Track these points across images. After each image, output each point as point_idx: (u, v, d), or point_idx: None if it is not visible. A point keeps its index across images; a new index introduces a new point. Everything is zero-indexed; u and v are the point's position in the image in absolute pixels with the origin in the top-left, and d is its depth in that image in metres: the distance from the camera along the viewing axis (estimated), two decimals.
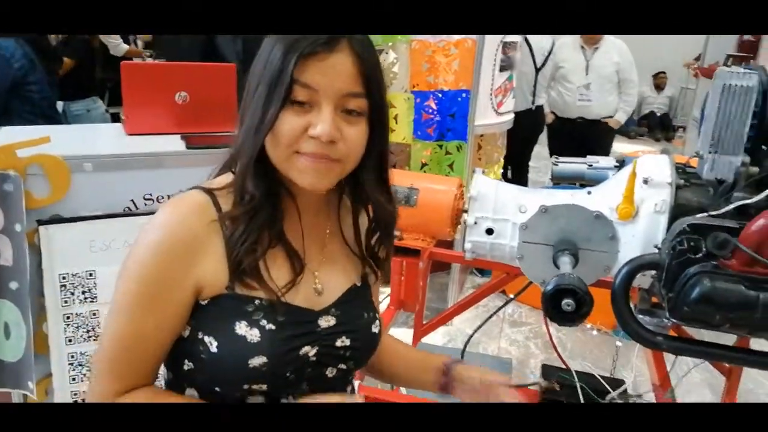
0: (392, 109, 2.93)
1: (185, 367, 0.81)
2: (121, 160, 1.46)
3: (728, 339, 1.46)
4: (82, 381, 1.46)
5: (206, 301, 0.78)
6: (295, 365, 0.80)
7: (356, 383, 1.06)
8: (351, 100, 0.75)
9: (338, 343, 0.84)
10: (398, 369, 1.08)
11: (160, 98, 1.65)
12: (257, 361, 0.76)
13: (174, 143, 1.60)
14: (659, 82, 9.13)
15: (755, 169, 1.20)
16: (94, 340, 1.44)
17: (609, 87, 4.11)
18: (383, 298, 1.91)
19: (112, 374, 0.78)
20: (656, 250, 1.20)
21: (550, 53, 4.06)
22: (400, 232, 1.93)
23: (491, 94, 3.21)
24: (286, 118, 0.74)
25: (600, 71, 4.07)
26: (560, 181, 1.57)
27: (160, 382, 0.86)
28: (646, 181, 1.27)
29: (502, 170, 3.97)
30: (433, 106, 3.09)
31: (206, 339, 0.77)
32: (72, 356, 1.44)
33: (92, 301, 1.43)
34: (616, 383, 2.03)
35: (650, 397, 1.78)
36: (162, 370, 0.85)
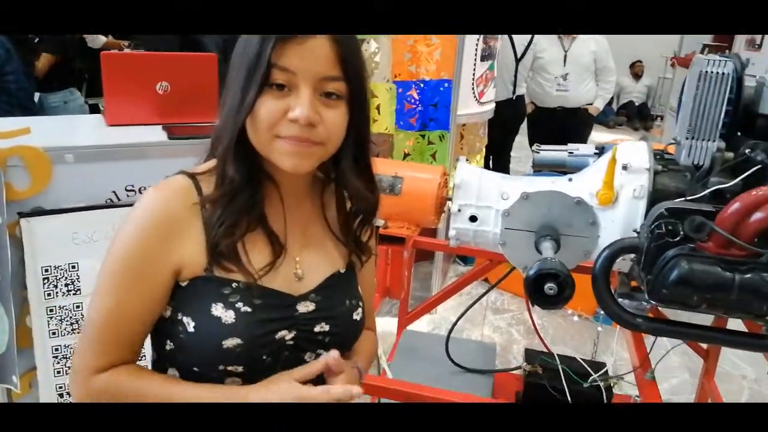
0: (374, 99, 2.93)
1: (167, 347, 0.83)
2: (102, 151, 1.45)
3: (705, 322, 1.50)
4: (67, 374, 1.45)
5: (186, 283, 0.80)
6: (270, 348, 0.81)
7: None
8: (329, 83, 0.76)
9: (317, 329, 0.85)
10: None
11: (141, 88, 1.63)
12: (231, 342, 0.77)
13: (156, 134, 1.58)
14: (636, 70, 9.25)
15: (730, 155, 1.23)
16: (79, 332, 1.43)
17: (587, 76, 4.18)
18: None
19: (94, 350, 0.80)
20: (635, 235, 1.23)
21: (530, 44, 4.09)
22: (385, 221, 1.94)
23: (473, 84, 3.23)
24: (265, 101, 0.75)
25: (578, 60, 4.12)
26: (542, 168, 1.59)
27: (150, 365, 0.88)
28: (625, 168, 1.29)
29: (483, 160, 3.99)
30: (415, 95, 3.10)
31: (185, 319, 0.79)
32: (56, 349, 1.42)
33: (75, 294, 1.42)
34: (598, 366, 2.08)
35: (631, 378, 1.83)
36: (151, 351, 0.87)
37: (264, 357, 0.81)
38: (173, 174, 0.83)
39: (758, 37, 5.51)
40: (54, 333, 1.42)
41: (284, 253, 0.84)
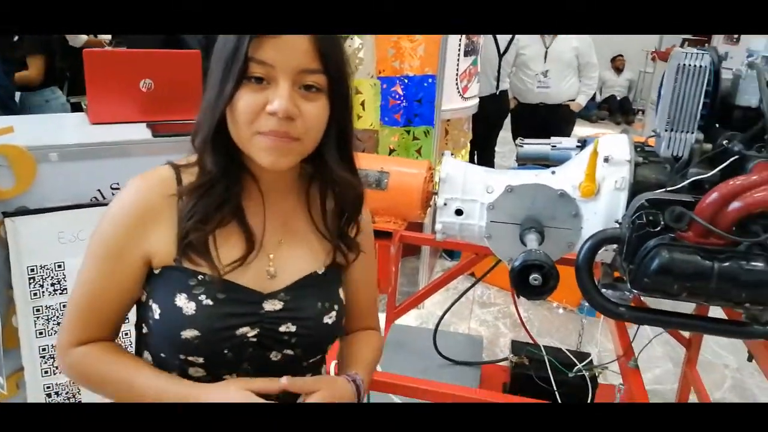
0: (359, 95, 2.93)
1: (143, 331, 0.86)
2: (86, 150, 1.44)
3: (687, 311, 1.53)
4: (54, 374, 1.44)
5: (158, 271, 0.82)
6: (231, 343, 0.81)
7: (333, 363, 1.06)
8: (308, 75, 0.76)
9: (282, 329, 0.84)
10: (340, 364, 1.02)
11: (125, 86, 1.63)
12: (189, 333, 0.79)
13: (140, 131, 1.58)
14: (618, 64, 9.36)
15: (708, 146, 1.26)
16: None
17: (568, 72, 4.18)
18: None
19: (72, 325, 0.84)
20: (617, 225, 1.26)
21: (512, 39, 4.10)
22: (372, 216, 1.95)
23: (457, 79, 3.24)
24: (243, 95, 0.75)
25: (559, 57, 4.13)
26: (525, 161, 1.61)
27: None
28: (606, 160, 1.32)
29: (468, 155, 4.01)
30: (400, 91, 3.10)
31: (153, 306, 0.81)
32: (43, 349, 1.42)
33: (62, 293, 1.42)
34: (582, 356, 2.12)
35: (615, 368, 1.86)
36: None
37: (225, 351, 0.81)
38: (162, 164, 0.85)
39: None
40: (41, 333, 1.41)
41: (259, 248, 0.84)
